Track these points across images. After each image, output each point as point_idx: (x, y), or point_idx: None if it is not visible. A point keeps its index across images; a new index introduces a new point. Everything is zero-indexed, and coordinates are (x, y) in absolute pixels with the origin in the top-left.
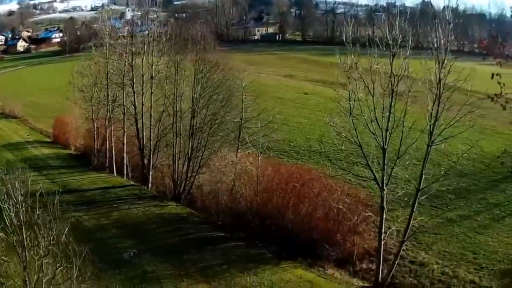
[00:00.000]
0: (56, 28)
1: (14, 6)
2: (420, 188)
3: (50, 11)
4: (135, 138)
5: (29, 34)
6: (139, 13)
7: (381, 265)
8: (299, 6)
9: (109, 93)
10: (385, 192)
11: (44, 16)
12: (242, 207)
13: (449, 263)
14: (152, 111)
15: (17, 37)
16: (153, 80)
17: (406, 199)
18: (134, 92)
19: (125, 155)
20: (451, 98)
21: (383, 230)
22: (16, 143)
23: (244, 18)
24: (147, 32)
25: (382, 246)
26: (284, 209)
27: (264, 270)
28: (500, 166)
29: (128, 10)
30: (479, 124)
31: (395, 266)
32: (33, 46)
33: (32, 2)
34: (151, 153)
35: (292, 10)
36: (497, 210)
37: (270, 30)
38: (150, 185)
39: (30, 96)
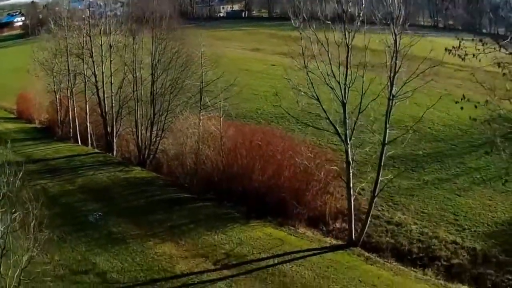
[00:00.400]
0: (18, 12)
1: None
2: (386, 142)
3: None
4: (98, 107)
5: None
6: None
7: (353, 222)
8: None
9: (69, 64)
10: (349, 146)
11: (6, 2)
12: (208, 169)
13: (428, 224)
14: (112, 79)
15: None
16: (112, 49)
17: (374, 156)
18: (93, 62)
19: (88, 124)
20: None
21: (351, 185)
22: None
23: None
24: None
25: (352, 202)
26: (251, 169)
27: (232, 228)
28: (477, 132)
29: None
30: (455, 94)
31: (368, 223)
32: None
33: None
34: (114, 120)
35: None
36: (477, 174)
37: (236, 7)
38: (115, 152)
39: None
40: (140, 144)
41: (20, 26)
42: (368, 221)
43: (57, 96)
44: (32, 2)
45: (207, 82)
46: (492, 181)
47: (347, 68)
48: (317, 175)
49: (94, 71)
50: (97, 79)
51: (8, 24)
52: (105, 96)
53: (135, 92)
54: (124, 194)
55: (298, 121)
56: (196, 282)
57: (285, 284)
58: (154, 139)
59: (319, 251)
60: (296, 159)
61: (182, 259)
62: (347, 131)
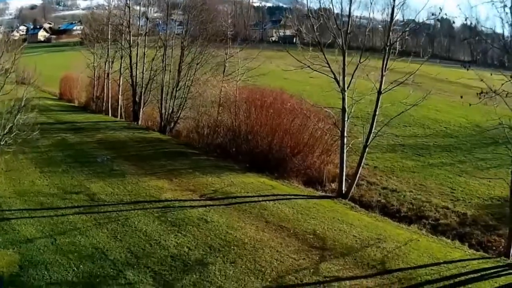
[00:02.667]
0: (78, 21)
1: (37, 1)
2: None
3: (73, 7)
4: (131, 88)
5: (51, 25)
6: (161, 14)
7: (344, 174)
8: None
9: (109, 45)
10: (346, 94)
11: (67, 12)
12: (222, 138)
13: (423, 193)
14: (145, 50)
15: (38, 27)
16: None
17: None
18: (129, 32)
19: (120, 96)
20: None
21: (345, 134)
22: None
23: (262, 19)
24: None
25: (344, 152)
26: (258, 130)
27: (228, 175)
28: (491, 133)
29: (151, 10)
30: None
31: (358, 175)
32: (54, 37)
33: None
34: (143, 91)
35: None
36: (482, 163)
37: (288, 32)
38: (140, 121)
39: (48, 72)
40: (163, 112)
41: (78, 34)
42: (359, 174)
43: (95, 75)
44: (92, 12)
45: (231, 54)
46: (496, 169)
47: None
48: (321, 139)
49: (130, 40)
50: (131, 50)
51: (67, 31)
52: (138, 66)
53: (164, 62)
54: (135, 146)
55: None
56: (176, 206)
57: (263, 215)
58: (176, 108)
59: (305, 197)
60: (298, 120)
61: (170, 191)
62: (345, 78)
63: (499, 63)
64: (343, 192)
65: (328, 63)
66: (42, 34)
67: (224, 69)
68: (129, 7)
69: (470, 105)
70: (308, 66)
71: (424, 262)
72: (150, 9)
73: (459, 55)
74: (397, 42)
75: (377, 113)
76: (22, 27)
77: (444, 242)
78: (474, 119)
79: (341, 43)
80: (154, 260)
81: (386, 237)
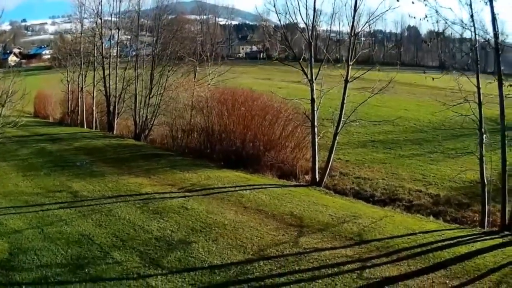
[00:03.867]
0: (47, 45)
1: (6, 27)
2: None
3: (41, 32)
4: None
5: (20, 50)
6: (129, 36)
7: (317, 163)
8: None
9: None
10: (314, 85)
11: (35, 37)
12: (196, 139)
13: (396, 180)
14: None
15: (8, 52)
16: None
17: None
18: (102, 42)
19: (94, 107)
20: None
21: (315, 123)
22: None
23: (229, 37)
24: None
25: (316, 141)
26: (231, 130)
27: (204, 171)
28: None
29: (118, 33)
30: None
31: (331, 162)
32: (24, 61)
33: (23, 24)
34: (117, 101)
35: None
36: (452, 152)
37: (254, 48)
38: (115, 131)
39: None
40: (137, 120)
41: (48, 58)
42: (331, 160)
43: (69, 89)
44: (61, 36)
45: (201, 59)
46: (466, 156)
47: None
48: (293, 134)
49: (102, 51)
50: (104, 64)
51: (37, 56)
52: (111, 77)
53: (136, 71)
54: (112, 151)
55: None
56: (157, 197)
57: (241, 202)
58: (150, 115)
59: (281, 186)
60: (270, 116)
61: (150, 186)
62: (313, 70)
63: (468, 67)
64: (317, 180)
65: (296, 56)
66: (12, 59)
67: (195, 73)
68: (101, 18)
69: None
70: (277, 59)
71: (400, 233)
72: (118, 32)
73: (427, 61)
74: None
75: (345, 101)
76: None
77: (419, 217)
78: (442, 115)
79: (307, 36)
80: (139, 242)
81: (362, 215)
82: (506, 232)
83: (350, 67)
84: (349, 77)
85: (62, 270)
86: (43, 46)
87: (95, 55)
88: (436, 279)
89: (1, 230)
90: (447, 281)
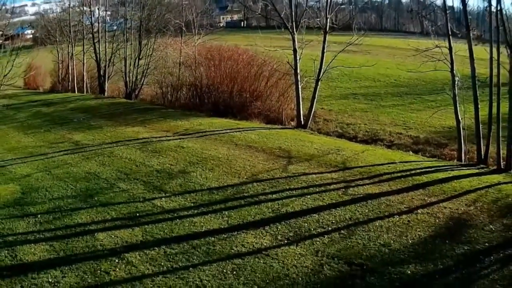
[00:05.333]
0: (28, 26)
1: None
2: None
3: (22, 14)
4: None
5: (1, 32)
6: (109, 12)
7: (301, 107)
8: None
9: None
10: (295, 36)
11: (16, 19)
12: (185, 94)
13: (378, 125)
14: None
15: None
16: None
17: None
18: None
19: (84, 72)
20: None
21: (298, 71)
22: None
23: (209, 7)
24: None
25: (299, 87)
26: (219, 82)
27: (195, 119)
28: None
29: (97, 9)
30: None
31: (314, 105)
32: (6, 42)
33: (4, 8)
34: (106, 65)
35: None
36: (432, 103)
37: (235, 17)
38: (106, 93)
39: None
40: (127, 80)
41: (30, 38)
42: (314, 104)
43: (59, 58)
44: (42, 15)
45: (187, 22)
46: (446, 108)
47: None
48: (277, 84)
49: (91, 19)
50: (93, 27)
51: (19, 36)
52: (100, 43)
53: (125, 35)
54: (106, 108)
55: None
56: (154, 141)
57: (232, 141)
58: (140, 76)
59: (268, 128)
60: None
61: (146, 132)
62: (294, 23)
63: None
64: (302, 124)
65: (277, 12)
66: None
67: (182, 35)
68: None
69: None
70: (260, 14)
71: (381, 162)
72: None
73: (408, 26)
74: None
75: (325, 50)
76: None
77: (399, 152)
78: (424, 75)
79: None
80: (141, 174)
81: (345, 148)
82: (482, 166)
83: (328, 19)
84: (327, 29)
85: (73, 200)
86: (24, 27)
87: (84, 24)
88: (415, 197)
89: (11, 176)
90: (426, 198)
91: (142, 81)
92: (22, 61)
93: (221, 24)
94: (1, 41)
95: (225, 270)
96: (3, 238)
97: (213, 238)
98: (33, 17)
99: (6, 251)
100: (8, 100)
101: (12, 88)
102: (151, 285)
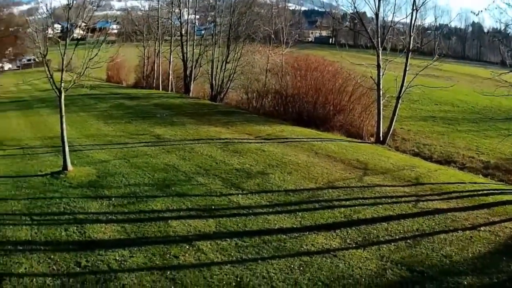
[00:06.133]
0: (114, 20)
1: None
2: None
3: (107, 8)
4: (181, 64)
5: (86, 24)
6: (198, 16)
7: (381, 123)
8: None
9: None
10: (380, 52)
11: (101, 13)
12: (270, 101)
13: (452, 148)
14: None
15: (73, 25)
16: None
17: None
18: (180, 10)
19: (170, 71)
20: None
21: (380, 87)
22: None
23: (299, 21)
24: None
25: (381, 103)
26: (304, 92)
27: (278, 126)
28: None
29: (186, 12)
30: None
31: (393, 122)
32: (90, 34)
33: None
34: (193, 66)
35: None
36: (505, 131)
37: (324, 33)
38: (191, 93)
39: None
40: (213, 83)
41: (114, 33)
42: (394, 121)
43: (145, 54)
44: (128, 12)
45: (276, 30)
46: None
47: None
48: (360, 100)
49: (180, 19)
50: (182, 26)
51: (102, 30)
52: (188, 42)
53: (214, 37)
54: (190, 108)
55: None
56: (235, 142)
57: (312, 149)
58: (226, 79)
59: (348, 141)
60: (340, 80)
61: (228, 133)
62: (379, 39)
63: None
64: (381, 139)
65: (364, 26)
66: (77, 32)
67: (270, 42)
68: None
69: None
70: (347, 27)
71: (452, 181)
72: (187, 11)
73: (489, 56)
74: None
75: (407, 69)
76: (56, 25)
77: (469, 174)
78: (500, 103)
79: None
80: (220, 171)
81: (419, 166)
82: None
83: (411, 37)
84: (410, 47)
85: (149, 188)
86: (109, 21)
87: (172, 24)
88: (480, 215)
89: (87, 160)
90: (489, 217)
91: (228, 85)
92: (104, 54)
93: (310, 39)
94: (84, 32)
95: (292, 266)
96: (74, 216)
97: (284, 236)
98: (118, 12)
99: (75, 227)
100: (89, 88)
101: (93, 79)
102: (219, 273)
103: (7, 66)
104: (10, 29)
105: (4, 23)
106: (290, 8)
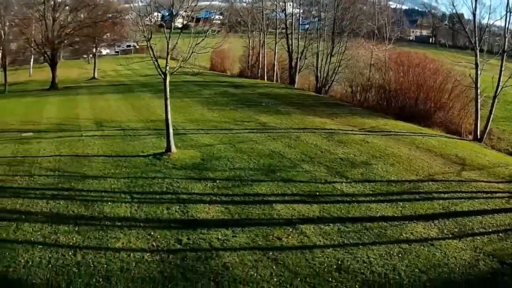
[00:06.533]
0: (217, 11)
1: None
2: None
3: None
4: (286, 56)
5: (188, 13)
6: (301, 10)
7: (478, 120)
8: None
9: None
10: (478, 51)
11: (204, 2)
12: (373, 95)
13: None
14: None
15: (174, 14)
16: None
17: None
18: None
19: (275, 62)
20: None
21: (478, 85)
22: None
23: (400, 19)
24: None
25: (478, 101)
26: (406, 88)
27: (382, 120)
28: None
29: (289, 5)
30: None
31: (490, 121)
32: (192, 24)
33: None
34: (298, 58)
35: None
36: None
37: (424, 33)
38: (296, 85)
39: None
40: (318, 75)
41: (217, 23)
42: (490, 120)
43: (249, 44)
44: (232, 4)
45: (379, 26)
46: None
47: None
48: (459, 97)
49: (285, 11)
50: (286, 18)
51: (205, 20)
52: (293, 34)
53: (319, 31)
54: (295, 98)
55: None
56: (340, 132)
57: (414, 143)
58: (331, 72)
59: (448, 137)
60: (441, 78)
61: (333, 124)
62: (476, 38)
63: None
64: (478, 137)
65: (463, 26)
66: (179, 21)
67: (374, 36)
68: None
69: None
70: (446, 25)
71: None
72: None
73: None
74: None
75: (503, 68)
76: (156, 14)
77: None
78: None
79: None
80: (325, 159)
81: None
82: None
83: (506, 38)
84: (505, 48)
85: (254, 172)
86: (212, 12)
87: (277, 15)
88: None
89: (192, 144)
90: None
91: (333, 77)
92: (211, 41)
93: (411, 37)
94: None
95: (391, 252)
96: (177, 195)
97: (385, 223)
98: (222, 3)
99: (177, 207)
100: (196, 73)
101: (198, 67)
102: (321, 255)
103: (105, 51)
104: (108, 15)
105: (102, 8)
106: (391, 7)
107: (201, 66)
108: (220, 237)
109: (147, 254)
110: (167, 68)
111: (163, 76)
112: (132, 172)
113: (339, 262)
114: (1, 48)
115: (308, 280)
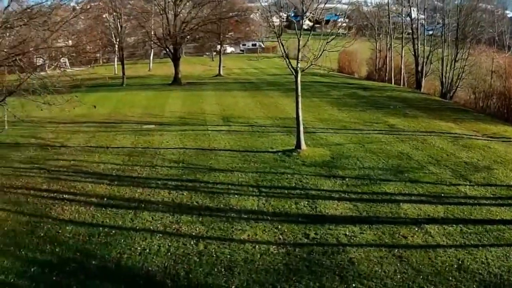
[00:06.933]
0: (341, 14)
1: None
2: None
3: (335, 1)
4: (412, 62)
5: (313, 15)
6: (425, 16)
7: None
8: None
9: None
10: None
11: (328, 5)
12: (494, 103)
13: None
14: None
15: (299, 15)
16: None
17: None
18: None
19: (402, 66)
20: None
21: None
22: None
23: None
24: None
25: None
26: None
27: (503, 126)
28: None
29: (413, 11)
30: None
31: None
32: (317, 25)
33: None
34: (424, 62)
35: None
36: None
37: None
38: (422, 89)
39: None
40: (443, 80)
41: (343, 26)
42: None
43: (376, 48)
44: (358, 7)
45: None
46: None
47: None
48: None
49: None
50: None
51: (329, 22)
52: (419, 39)
53: (443, 36)
54: (422, 102)
55: None
56: (464, 137)
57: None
58: (456, 78)
59: None
60: None
61: (458, 129)
62: None
63: None
64: None
65: None
66: (305, 23)
67: (494, 42)
68: None
69: None
70: None
71: None
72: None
73: None
74: None
75: None
76: (281, 14)
77: None
78: None
79: None
80: (450, 163)
81: None
82: None
83: None
84: None
85: (383, 172)
86: (338, 14)
87: (403, 19)
88: None
89: (322, 142)
90: None
91: (458, 83)
92: (340, 41)
93: None
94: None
95: (508, 254)
96: (306, 191)
97: (504, 227)
98: (346, 6)
99: (306, 202)
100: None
101: (326, 69)
102: (443, 254)
103: (229, 49)
104: (231, 13)
105: (227, 5)
106: (508, 16)
107: (329, 67)
108: (347, 233)
109: (273, 246)
110: (298, 65)
111: (294, 73)
112: (260, 167)
113: (460, 262)
114: (117, 41)
115: (429, 278)
